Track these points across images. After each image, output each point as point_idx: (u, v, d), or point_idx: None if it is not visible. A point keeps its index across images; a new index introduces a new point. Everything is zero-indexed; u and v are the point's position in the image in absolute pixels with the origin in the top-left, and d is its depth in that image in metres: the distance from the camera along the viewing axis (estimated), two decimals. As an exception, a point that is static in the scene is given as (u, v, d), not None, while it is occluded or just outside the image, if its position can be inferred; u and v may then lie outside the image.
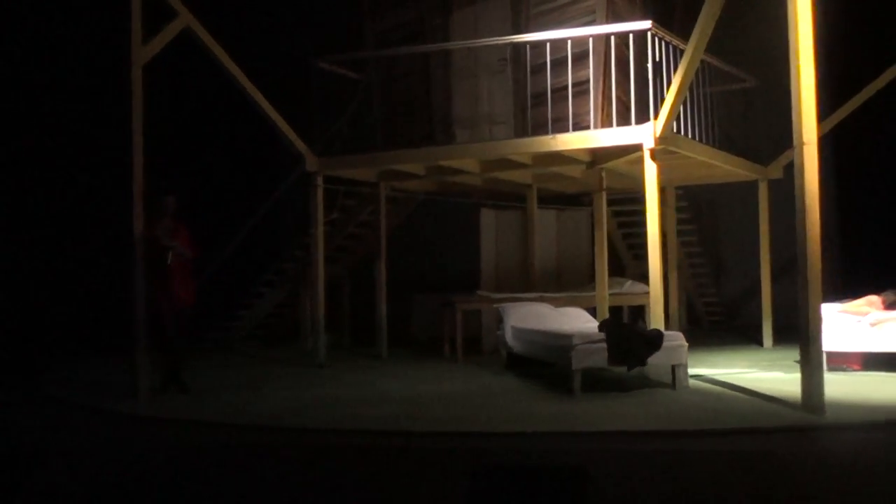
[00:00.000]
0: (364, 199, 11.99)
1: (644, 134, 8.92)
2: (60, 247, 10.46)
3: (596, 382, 8.23)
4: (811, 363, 6.71)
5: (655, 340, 7.95)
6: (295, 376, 9.61)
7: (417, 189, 12.34)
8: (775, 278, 12.98)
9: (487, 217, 12.20)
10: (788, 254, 13.28)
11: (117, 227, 8.46)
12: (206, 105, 10.81)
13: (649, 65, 9.07)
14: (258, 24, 13.37)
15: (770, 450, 5.78)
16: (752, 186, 12.25)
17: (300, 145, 10.37)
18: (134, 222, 8.23)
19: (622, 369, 8.02)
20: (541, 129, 9.87)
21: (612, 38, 9.38)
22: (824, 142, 12.52)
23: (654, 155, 8.95)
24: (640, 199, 13.18)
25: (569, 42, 9.52)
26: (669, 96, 8.59)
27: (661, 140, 8.84)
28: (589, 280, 11.97)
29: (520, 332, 9.21)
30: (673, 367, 8.13)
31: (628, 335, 7.97)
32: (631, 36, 9.38)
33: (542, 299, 10.85)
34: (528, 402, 7.65)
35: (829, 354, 9.17)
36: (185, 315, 8.49)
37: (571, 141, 9.46)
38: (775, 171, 11.86)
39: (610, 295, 11.24)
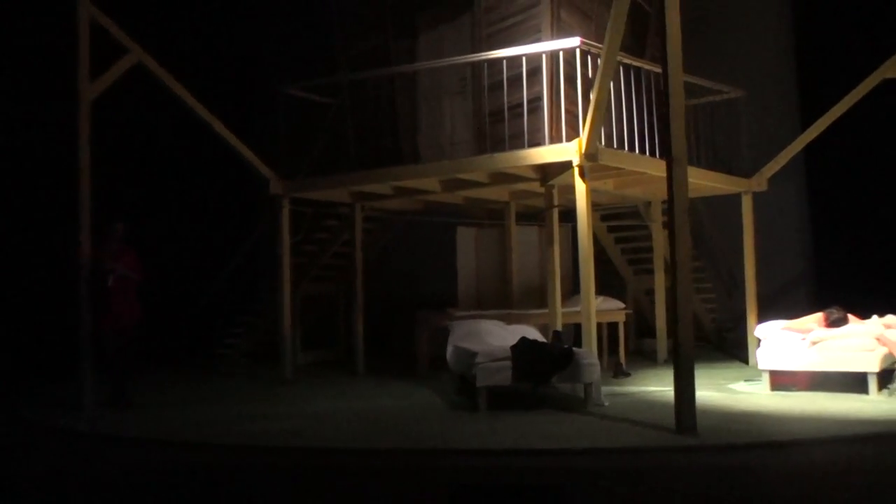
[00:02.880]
0: (345, 219, 12.31)
1: (572, 151, 8.91)
2: (12, 270, 11.21)
3: (526, 401, 8.28)
4: (682, 386, 6.59)
5: (561, 360, 7.92)
6: (250, 392, 9.99)
7: (400, 208, 12.57)
8: (777, 295, 12.59)
9: (464, 235, 12.31)
10: (781, 268, 12.97)
11: (67, 250, 9.06)
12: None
13: (578, 80, 9.06)
14: (224, 48, 13.92)
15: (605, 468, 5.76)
16: (759, 199, 11.91)
17: (264, 170, 10.80)
18: (81, 247, 8.86)
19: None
20: (495, 147, 9.97)
21: (545, 55, 9.41)
22: (798, 159, 12.16)
23: (584, 171, 8.92)
24: (637, 213, 13.13)
25: (503, 62, 9.62)
26: (590, 111, 8.56)
27: (588, 156, 8.79)
28: (571, 294, 11.93)
29: (454, 350, 9.30)
30: (585, 386, 8.09)
31: (534, 354, 7.97)
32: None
33: (510, 316, 10.89)
34: (427, 419, 7.77)
35: (773, 373, 8.93)
36: (128, 334, 8.99)
37: (506, 159, 9.54)
38: (758, 183, 11.51)
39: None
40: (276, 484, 5.85)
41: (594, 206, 13.08)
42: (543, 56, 9.42)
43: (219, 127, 10.31)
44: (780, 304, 11.68)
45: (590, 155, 8.77)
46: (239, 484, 5.92)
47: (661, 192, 11.95)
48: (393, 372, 11.38)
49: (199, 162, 12.82)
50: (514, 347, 8.10)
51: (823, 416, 7.28)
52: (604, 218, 13.59)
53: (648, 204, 12.47)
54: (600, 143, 9.31)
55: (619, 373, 10.58)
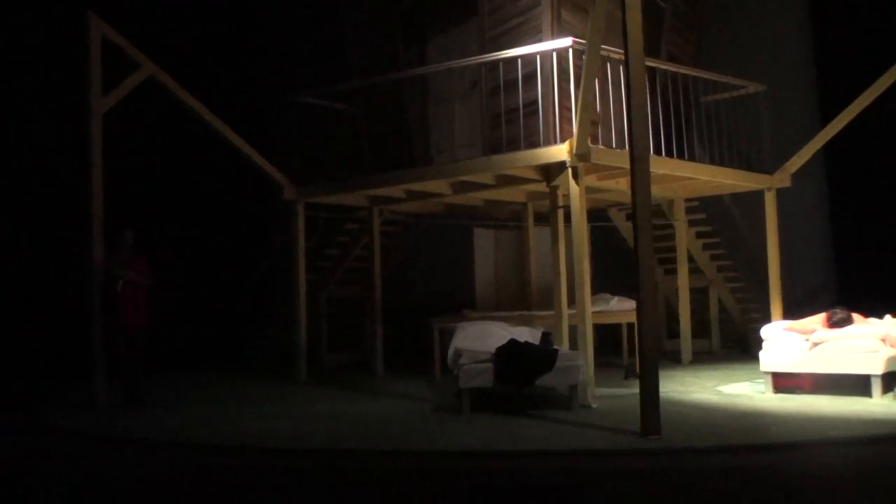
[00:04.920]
0: (364, 223, 12.48)
1: (564, 151, 8.84)
2: (26, 276, 11.75)
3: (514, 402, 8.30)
4: (646, 390, 6.50)
5: (544, 362, 7.89)
6: (261, 394, 10.21)
7: (421, 211, 12.65)
8: (800, 293, 12.19)
9: (482, 237, 12.34)
10: (802, 266, 12.52)
11: (80, 257, 9.48)
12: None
13: (571, 80, 9.00)
14: (238, 58, 14.24)
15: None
16: (789, 195, 11.62)
17: (278, 176, 11.06)
18: (93, 254, 9.28)
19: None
20: (500, 149, 9.99)
21: (539, 56, 9.38)
22: (817, 159, 11.76)
23: (577, 172, 8.84)
24: (662, 212, 12.89)
25: (501, 65, 9.63)
26: (578, 111, 8.49)
27: (579, 156, 8.71)
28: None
29: (454, 352, 9.31)
30: (570, 388, 8.03)
31: (517, 356, 7.95)
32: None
33: (521, 318, 10.86)
34: (402, 422, 7.86)
35: (776, 375, 8.69)
36: (138, 337, 9.33)
37: (504, 161, 9.53)
38: (781, 179, 11.17)
39: (595, 312, 11.11)
40: (227, 484, 6.02)
41: (619, 205, 13.05)
42: (538, 57, 9.38)
43: (231, 136, 10.61)
44: (805, 304, 11.31)
45: (581, 155, 8.68)
46: (198, 483, 6.13)
47: (682, 189, 11.80)
48: (409, 374, 11.47)
49: (226, 170, 13.16)
50: (498, 349, 8.10)
51: (806, 420, 7.08)
52: (629, 217, 13.39)
53: (671, 202, 12.26)
54: (598, 142, 9.25)
55: (629, 374, 10.43)
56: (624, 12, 6.68)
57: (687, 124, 10.63)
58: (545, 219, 12.58)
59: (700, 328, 13.77)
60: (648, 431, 6.44)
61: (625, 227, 13.49)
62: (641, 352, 6.54)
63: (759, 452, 6.10)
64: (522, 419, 7.66)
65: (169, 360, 12.41)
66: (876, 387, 7.99)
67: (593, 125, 9.87)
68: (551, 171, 9.86)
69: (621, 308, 11.25)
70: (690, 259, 12.99)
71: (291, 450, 6.87)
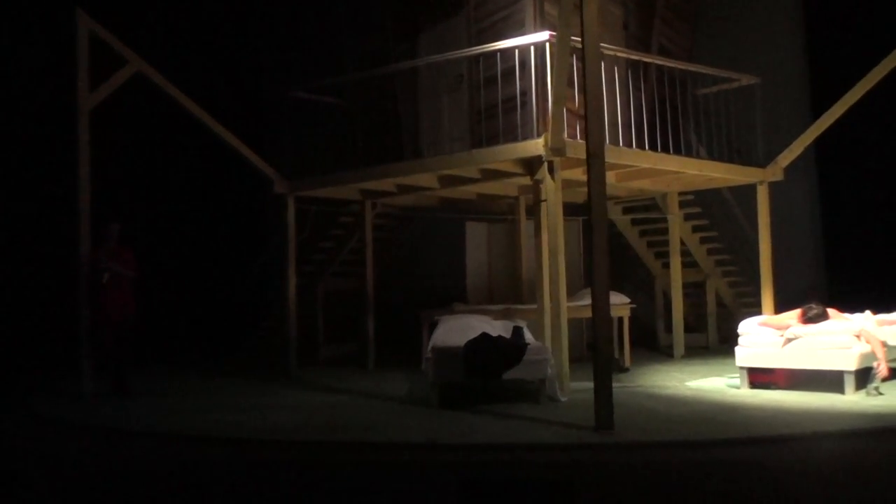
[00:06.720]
0: (358, 216, 12.56)
1: (540, 146, 8.84)
2: (15, 268, 12.00)
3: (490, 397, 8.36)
4: (599, 384, 6.51)
5: (512, 355, 7.92)
6: (245, 385, 10.34)
7: (415, 205, 12.70)
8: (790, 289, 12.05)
9: (474, 230, 12.35)
10: (792, 262, 12.37)
11: (67, 250, 9.69)
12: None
13: (548, 75, 8.98)
14: (226, 52, 14.37)
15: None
16: (786, 188, 11.52)
17: (267, 170, 11.18)
18: (80, 247, 9.47)
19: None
20: (488, 142, 10.01)
21: (517, 50, 9.38)
22: (807, 156, 11.57)
23: (553, 166, 8.84)
24: (656, 206, 12.82)
25: (480, 59, 9.65)
26: (550, 105, 8.48)
27: (553, 150, 8.71)
28: (580, 289, 11.85)
29: (433, 347, 9.38)
30: (538, 382, 8.06)
31: (485, 350, 7.99)
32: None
33: (505, 311, 10.89)
34: (361, 414, 7.92)
35: (751, 371, 8.64)
36: (124, 328, 9.52)
37: (482, 156, 9.54)
38: (774, 173, 11.04)
39: (583, 306, 11.10)
40: (184, 473, 6.15)
41: (614, 199, 12.99)
42: (516, 52, 9.38)
43: (220, 130, 10.73)
44: (801, 299, 11.18)
45: (556, 149, 8.68)
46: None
47: (676, 183, 11.71)
48: (399, 368, 11.55)
49: (228, 165, 13.32)
50: (468, 343, 8.14)
51: (766, 416, 7.04)
52: (626, 210, 13.36)
53: (664, 196, 12.20)
54: (582, 136, 9.22)
55: (615, 368, 10.41)
56: (581, 3, 6.66)
57: (674, 116, 10.55)
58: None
59: (698, 322, 13.71)
60: (601, 426, 6.45)
61: (621, 221, 13.45)
62: (595, 348, 6.54)
63: (710, 448, 6.09)
64: (485, 413, 7.68)
65: (165, 354, 12.65)
66: (849, 383, 7.91)
67: (578, 119, 9.87)
68: (533, 165, 9.86)
69: (612, 302, 11.19)
70: (688, 253, 12.93)
71: (238, 439, 6.99)
